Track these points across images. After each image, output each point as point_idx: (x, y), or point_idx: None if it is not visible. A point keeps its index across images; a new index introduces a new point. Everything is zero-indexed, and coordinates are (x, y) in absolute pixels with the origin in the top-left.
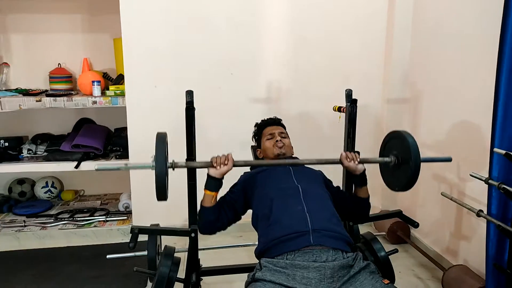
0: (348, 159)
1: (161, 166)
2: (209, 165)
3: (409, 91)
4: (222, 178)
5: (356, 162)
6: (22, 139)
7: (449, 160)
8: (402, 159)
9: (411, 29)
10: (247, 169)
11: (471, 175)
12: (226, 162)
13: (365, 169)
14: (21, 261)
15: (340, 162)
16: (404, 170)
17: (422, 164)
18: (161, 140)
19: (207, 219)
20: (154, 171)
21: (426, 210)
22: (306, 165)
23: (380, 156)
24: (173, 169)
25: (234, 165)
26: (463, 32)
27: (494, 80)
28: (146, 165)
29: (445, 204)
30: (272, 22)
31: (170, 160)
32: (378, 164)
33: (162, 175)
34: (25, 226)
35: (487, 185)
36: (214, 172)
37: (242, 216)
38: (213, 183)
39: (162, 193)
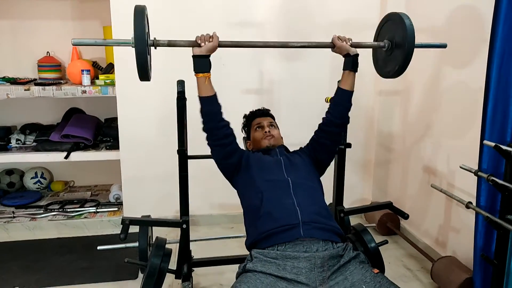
0: (340, 40)
1: (142, 44)
2: (193, 44)
3: (401, 83)
4: (209, 55)
5: (349, 43)
6: (10, 129)
7: (443, 46)
8: (396, 43)
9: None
10: None
11: (461, 167)
12: (210, 40)
13: (358, 54)
14: (10, 252)
15: (332, 45)
16: (397, 55)
17: (411, 154)
18: (140, 13)
19: (210, 110)
20: (134, 49)
21: (416, 202)
22: (295, 152)
23: (374, 40)
24: (155, 47)
25: (220, 45)
26: (455, 24)
27: (485, 72)
28: (126, 41)
29: (435, 196)
30: (264, 12)
31: (152, 37)
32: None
33: (143, 53)
34: (14, 217)
35: (476, 177)
36: (200, 50)
37: (232, 209)
38: (202, 62)
39: (144, 72)
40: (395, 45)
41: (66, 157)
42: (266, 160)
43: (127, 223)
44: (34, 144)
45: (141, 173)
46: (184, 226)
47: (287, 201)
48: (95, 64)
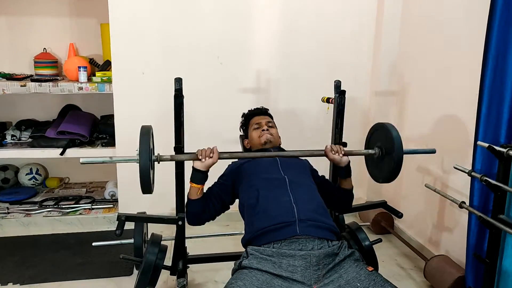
0: (333, 152)
1: (145, 161)
2: (194, 157)
3: (397, 83)
4: (207, 170)
5: (341, 155)
6: (5, 125)
7: (433, 152)
8: (386, 150)
9: (400, 21)
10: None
11: (454, 167)
12: (211, 155)
13: (349, 161)
14: (4, 248)
15: (325, 154)
16: (387, 162)
17: (406, 155)
18: (146, 133)
19: (194, 211)
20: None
21: (410, 202)
22: (297, 158)
23: (365, 148)
24: (158, 163)
25: (220, 158)
26: (451, 25)
27: (480, 74)
28: (131, 159)
29: (429, 195)
30: (262, 11)
31: (156, 153)
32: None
33: (146, 169)
34: (8, 213)
35: (470, 177)
36: (199, 165)
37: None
38: (199, 176)
39: (146, 187)
40: (385, 152)
41: (61, 154)
42: (262, 159)
43: (123, 219)
44: (30, 140)
45: (137, 170)
46: (180, 223)
47: (283, 198)
48: (92, 61)
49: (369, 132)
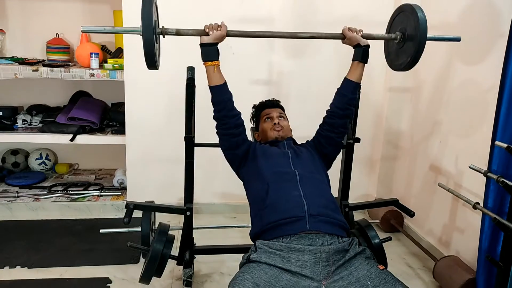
0: (351, 31)
1: (149, 32)
2: (201, 32)
3: (412, 80)
4: (217, 43)
5: (360, 34)
6: (17, 109)
7: (458, 39)
8: (408, 35)
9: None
10: None
11: (470, 167)
12: (219, 29)
13: (369, 46)
14: (13, 232)
15: (342, 36)
16: (408, 47)
17: (419, 153)
18: (148, 2)
19: (221, 99)
20: (142, 37)
21: (421, 200)
22: (302, 145)
23: (387, 32)
24: (163, 36)
25: (228, 35)
26: (471, 22)
27: (500, 72)
28: (134, 29)
29: (440, 195)
30: (276, 2)
31: (160, 25)
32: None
33: (150, 41)
34: (18, 197)
35: (485, 178)
36: (207, 38)
37: (235, 199)
38: (210, 50)
39: (151, 60)
40: (407, 37)
41: (71, 140)
42: (274, 152)
43: (131, 207)
44: (40, 125)
45: (146, 158)
46: (188, 213)
47: (293, 193)
48: (104, 48)
49: (392, 14)
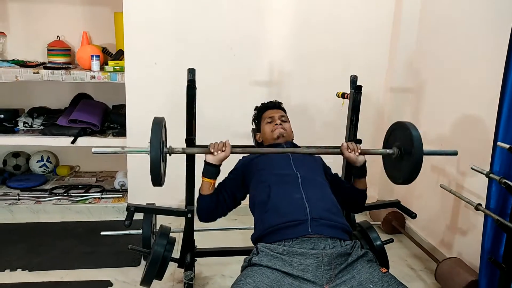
0: (349, 150)
1: (156, 153)
2: (206, 151)
3: (413, 80)
4: (220, 165)
5: (357, 154)
6: (18, 112)
7: (455, 154)
8: (405, 151)
9: (419, 16)
10: None
11: (472, 169)
12: (223, 149)
13: (365, 161)
14: (14, 234)
15: (340, 152)
16: (406, 162)
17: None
18: (157, 125)
19: (206, 206)
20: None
21: (423, 202)
22: (310, 154)
23: (383, 147)
24: (170, 155)
25: (232, 152)
26: (472, 22)
27: (502, 73)
28: (142, 150)
29: (442, 196)
30: (276, 3)
31: (168, 145)
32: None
33: (157, 161)
34: (19, 199)
35: (487, 179)
36: (211, 159)
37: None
38: (211, 170)
39: (157, 179)
40: (404, 152)
41: (72, 142)
42: (274, 155)
43: (132, 210)
44: (41, 127)
45: (147, 161)
46: (189, 215)
47: (295, 195)
48: (104, 50)
49: (388, 130)
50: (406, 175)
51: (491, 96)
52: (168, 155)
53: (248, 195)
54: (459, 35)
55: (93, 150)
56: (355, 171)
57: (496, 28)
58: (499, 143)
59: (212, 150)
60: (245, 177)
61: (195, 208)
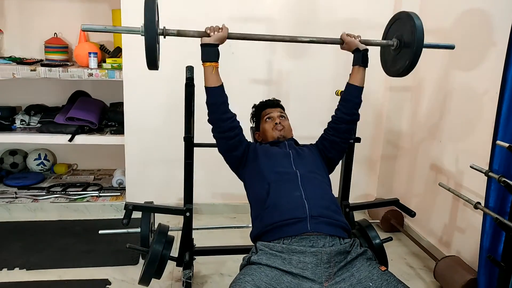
0: (349, 36)
1: (151, 32)
2: (202, 34)
3: (412, 78)
4: (218, 44)
5: (358, 39)
6: (15, 109)
7: (451, 47)
8: (404, 41)
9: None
10: None
11: (471, 167)
12: (220, 31)
13: (368, 50)
14: (11, 233)
15: (341, 41)
16: (405, 54)
17: (419, 153)
18: (151, 4)
19: (216, 100)
20: (143, 37)
21: (421, 200)
22: (305, 146)
23: (383, 39)
24: (164, 37)
25: (229, 37)
26: (471, 20)
27: (501, 71)
28: (136, 29)
29: (441, 195)
30: (275, 2)
31: (161, 26)
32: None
33: (152, 41)
34: (16, 197)
35: (486, 178)
36: (208, 39)
37: (235, 199)
38: (210, 51)
39: (152, 61)
40: (403, 44)
41: (70, 140)
42: (274, 151)
43: (130, 208)
44: (39, 125)
45: (145, 159)
46: (188, 214)
47: (294, 193)
48: (102, 48)
49: (389, 21)
50: (404, 66)
51: (490, 95)
52: (162, 36)
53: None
54: (458, 33)
55: (83, 27)
56: (356, 57)
57: (495, 25)
58: (498, 142)
59: (209, 31)
60: (249, 149)
61: (206, 103)
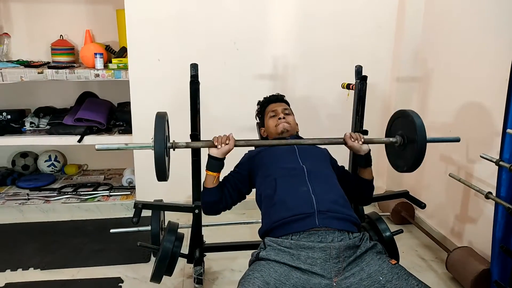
0: (352, 139)
1: (160, 147)
2: (210, 144)
3: (420, 69)
4: (224, 158)
5: (360, 142)
6: (24, 112)
7: (457, 140)
8: (408, 139)
9: (424, 5)
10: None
11: (481, 156)
12: (227, 142)
13: (370, 150)
14: (24, 234)
15: (343, 142)
16: (410, 150)
17: (428, 144)
18: (161, 120)
19: (210, 200)
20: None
21: (432, 191)
22: (316, 146)
23: (386, 136)
24: (174, 150)
25: (236, 145)
26: (478, 10)
27: (510, 59)
28: (146, 145)
29: (451, 185)
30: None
31: (171, 140)
32: (384, 145)
33: (161, 156)
34: (28, 199)
35: (497, 167)
36: (215, 152)
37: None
38: (215, 164)
39: (161, 174)
40: (407, 141)
41: (79, 141)
42: (279, 148)
43: (139, 207)
44: (48, 127)
45: (153, 157)
46: (197, 211)
47: (302, 188)
48: (108, 48)
49: (390, 119)
50: (410, 163)
51: (499, 84)
52: (171, 149)
53: (254, 189)
54: (466, 23)
55: (97, 147)
56: (360, 160)
57: (503, 16)
58: (508, 130)
59: (216, 143)
60: (250, 171)
61: (201, 201)
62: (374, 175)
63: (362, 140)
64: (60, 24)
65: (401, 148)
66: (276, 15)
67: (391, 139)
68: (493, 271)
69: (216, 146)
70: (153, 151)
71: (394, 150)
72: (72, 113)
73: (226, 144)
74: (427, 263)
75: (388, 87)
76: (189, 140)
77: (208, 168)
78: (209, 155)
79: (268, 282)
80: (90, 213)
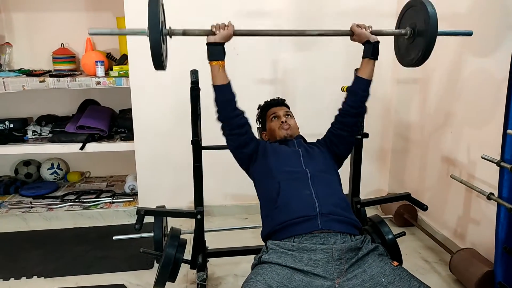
0: (360, 27)
1: (156, 32)
2: (208, 32)
3: (420, 71)
4: (224, 43)
5: (369, 30)
6: (26, 121)
7: (469, 34)
8: (418, 30)
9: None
10: None
11: (482, 157)
12: (226, 28)
13: (379, 41)
14: (28, 242)
15: (351, 33)
16: (419, 42)
17: (429, 144)
18: (155, 2)
19: (224, 99)
20: (148, 38)
21: (434, 193)
22: (314, 144)
23: (396, 28)
24: (170, 37)
25: (235, 34)
26: (480, 12)
27: (509, 59)
28: (141, 30)
29: (454, 187)
30: (279, 1)
31: (167, 26)
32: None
33: (157, 43)
34: (31, 207)
35: (498, 168)
36: (214, 38)
37: (246, 200)
38: (216, 49)
39: (158, 61)
40: (417, 33)
41: (81, 148)
42: (284, 150)
43: (142, 213)
44: (50, 135)
45: (156, 163)
46: (199, 216)
47: (305, 192)
48: (109, 55)
49: (401, 11)
50: (420, 54)
51: (500, 85)
52: (168, 36)
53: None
54: (465, 23)
55: (90, 31)
56: (367, 48)
57: (503, 15)
58: (509, 131)
59: (214, 30)
60: (257, 148)
61: (214, 101)
62: (376, 177)
63: (370, 29)
64: (61, 32)
65: (410, 40)
66: (274, 19)
67: (401, 30)
68: (496, 273)
69: (214, 33)
70: (148, 37)
71: (403, 44)
72: (74, 121)
73: (225, 30)
74: (430, 265)
75: (389, 89)
76: (191, 148)
77: (210, 57)
78: (207, 43)
79: (270, 285)
80: (93, 220)
